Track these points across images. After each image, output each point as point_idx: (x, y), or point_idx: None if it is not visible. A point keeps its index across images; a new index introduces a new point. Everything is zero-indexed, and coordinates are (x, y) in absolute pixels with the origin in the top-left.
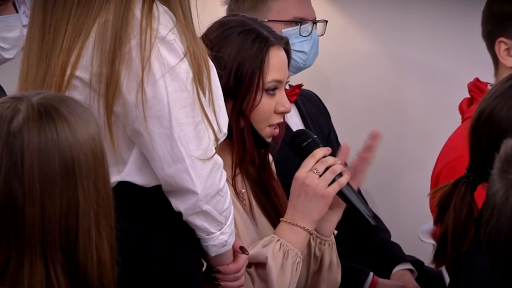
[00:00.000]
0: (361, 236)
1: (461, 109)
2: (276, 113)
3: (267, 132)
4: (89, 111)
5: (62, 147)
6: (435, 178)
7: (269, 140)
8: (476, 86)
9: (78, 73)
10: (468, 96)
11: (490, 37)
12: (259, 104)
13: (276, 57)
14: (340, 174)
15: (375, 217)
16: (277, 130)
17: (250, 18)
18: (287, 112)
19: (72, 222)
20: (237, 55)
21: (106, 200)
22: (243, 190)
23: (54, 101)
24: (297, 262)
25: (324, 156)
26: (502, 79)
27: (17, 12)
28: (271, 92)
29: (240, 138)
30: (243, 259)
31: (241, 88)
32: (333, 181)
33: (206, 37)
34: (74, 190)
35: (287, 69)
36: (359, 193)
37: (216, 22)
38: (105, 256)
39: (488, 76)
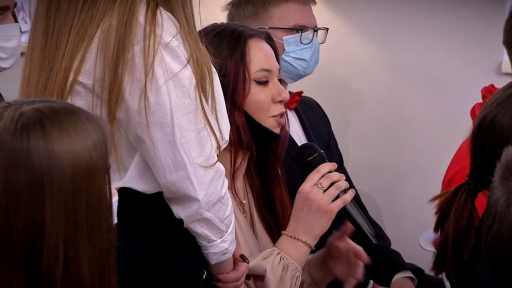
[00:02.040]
0: (361, 244)
1: (473, 114)
2: (275, 102)
3: (270, 122)
4: (90, 125)
5: (31, 159)
6: (447, 184)
7: (276, 131)
8: (490, 92)
9: (81, 78)
10: (480, 101)
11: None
12: (252, 95)
13: (257, 47)
14: (345, 191)
15: (374, 224)
16: (283, 119)
17: (226, 23)
18: (286, 100)
19: (37, 239)
20: (218, 55)
21: (92, 219)
22: (244, 201)
23: (42, 112)
24: (297, 276)
25: (330, 172)
26: (504, 87)
27: (16, 21)
28: (263, 83)
29: (236, 134)
30: (243, 267)
31: (228, 83)
32: (337, 197)
33: None
34: (41, 206)
35: (276, 61)
36: (359, 202)
37: None
38: (83, 277)
39: (488, 82)
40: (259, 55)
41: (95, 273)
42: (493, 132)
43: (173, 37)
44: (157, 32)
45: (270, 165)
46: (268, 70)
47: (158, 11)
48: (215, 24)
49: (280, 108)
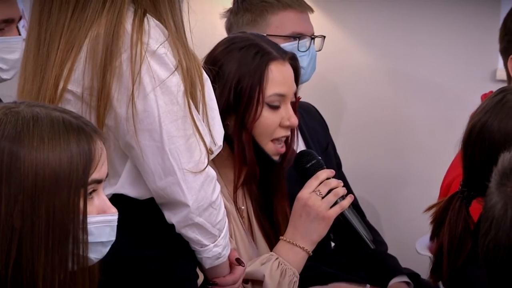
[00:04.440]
0: (358, 249)
1: None
2: (282, 127)
3: (270, 148)
4: (75, 139)
5: None
6: (445, 189)
7: (275, 158)
8: None
9: (70, 86)
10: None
11: (504, 53)
12: (261, 118)
13: (277, 71)
14: (343, 197)
15: (372, 229)
16: (283, 149)
17: (257, 34)
18: (293, 126)
19: None
20: (237, 70)
21: (54, 228)
22: (242, 207)
23: (27, 116)
24: (294, 282)
25: (328, 178)
26: (492, 94)
27: (19, 34)
28: (274, 107)
29: (241, 152)
30: (239, 271)
31: (241, 102)
32: (335, 203)
33: (212, 52)
34: None
35: (293, 83)
36: (358, 207)
37: (223, 39)
38: (37, 281)
39: (483, 89)
40: (277, 79)
41: (54, 283)
42: (483, 139)
43: (161, 45)
44: (144, 40)
45: (274, 178)
46: (282, 95)
47: (145, 19)
48: (245, 35)
49: (285, 132)
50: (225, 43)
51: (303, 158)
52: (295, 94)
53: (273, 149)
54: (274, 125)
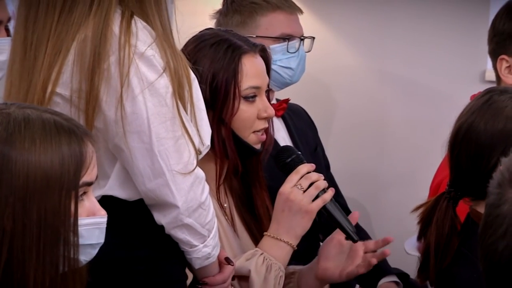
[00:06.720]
0: None
1: None
2: (259, 119)
3: (252, 139)
4: (66, 141)
5: None
6: (434, 189)
7: (257, 146)
8: None
9: (58, 89)
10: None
11: (493, 55)
12: (239, 112)
13: (250, 64)
14: (324, 190)
15: (361, 230)
16: (264, 136)
17: (224, 30)
18: (270, 117)
19: None
20: (211, 66)
21: (46, 231)
22: (225, 205)
23: (18, 118)
24: (280, 276)
25: (308, 172)
26: (479, 95)
27: (8, 36)
28: (250, 100)
29: (222, 147)
30: (229, 270)
31: (217, 98)
32: (317, 196)
33: (182, 51)
34: None
35: (266, 75)
36: (347, 209)
37: (192, 37)
38: (28, 285)
39: (472, 90)
40: (251, 72)
41: (44, 285)
42: (469, 140)
43: (148, 46)
44: (131, 42)
45: (252, 169)
46: (257, 87)
47: (133, 21)
48: (213, 31)
49: (264, 124)
50: (194, 41)
51: (283, 153)
52: (268, 85)
53: (255, 140)
54: (252, 118)
